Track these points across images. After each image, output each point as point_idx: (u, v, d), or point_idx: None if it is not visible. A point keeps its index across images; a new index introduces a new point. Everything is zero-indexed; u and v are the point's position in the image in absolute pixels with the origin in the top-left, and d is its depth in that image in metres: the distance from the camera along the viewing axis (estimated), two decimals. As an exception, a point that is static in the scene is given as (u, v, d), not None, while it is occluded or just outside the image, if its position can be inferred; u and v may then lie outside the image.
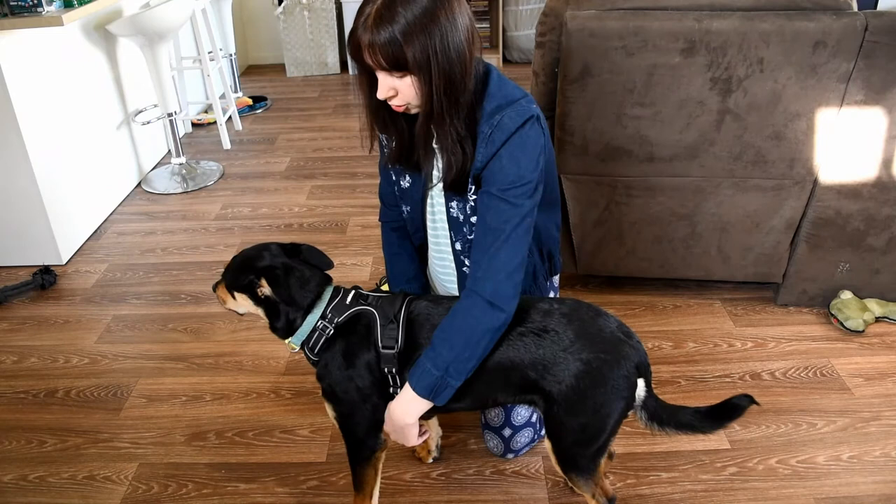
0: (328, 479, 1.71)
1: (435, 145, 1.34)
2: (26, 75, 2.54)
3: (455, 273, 1.54)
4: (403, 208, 1.54)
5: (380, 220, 1.64)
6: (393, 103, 1.24)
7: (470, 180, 1.33)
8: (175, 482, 1.71)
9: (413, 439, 1.36)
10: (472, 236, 1.39)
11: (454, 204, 1.40)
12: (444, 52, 1.16)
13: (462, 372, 1.27)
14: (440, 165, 1.38)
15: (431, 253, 1.59)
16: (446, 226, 1.47)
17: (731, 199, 2.09)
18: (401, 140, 1.37)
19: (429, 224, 1.52)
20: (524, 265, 1.29)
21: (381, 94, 1.22)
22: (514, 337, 1.29)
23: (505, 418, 1.67)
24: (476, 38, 1.23)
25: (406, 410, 1.32)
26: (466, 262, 1.45)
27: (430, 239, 1.56)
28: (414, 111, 1.27)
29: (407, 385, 1.31)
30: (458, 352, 1.25)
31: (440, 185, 1.41)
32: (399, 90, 1.21)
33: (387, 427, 1.38)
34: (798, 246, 2.15)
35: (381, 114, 1.32)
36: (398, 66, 1.16)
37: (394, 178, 1.50)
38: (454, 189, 1.35)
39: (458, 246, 1.46)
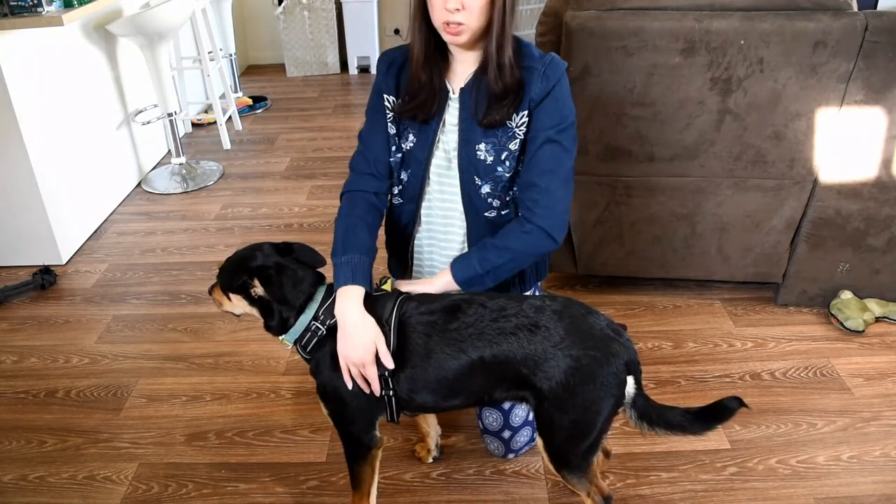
0: (328, 479, 1.71)
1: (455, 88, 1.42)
2: (26, 75, 2.54)
3: (465, 227, 1.52)
4: (403, 175, 1.51)
5: (343, 191, 1.56)
6: (454, 19, 1.29)
7: (524, 113, 1.40)
8: (175, 482, 1.71)
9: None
10: (509, 174, 1.44)
11: (483, 146, 1.42)
12: None
13: (498, 279, 1.45)
14: (459, 108, 1.43)
15: (433, 217, 1.55)
16: (456, 174, 1.47)
17: (731, 199, 2.09)
18: (430, 80, 1.41)
19: (434, 182, 1.50)
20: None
21: (451, 5, 1.27)
22: (509, 332, 1.29)
23: (503, 421, 1.67)
24: None
25: (435, 285, 1.44)
26: (494, 204, 1.48)
27: (434, 200, 1.53)
28: (463, 38, 1.32)
29: (446, 270, 1.44)
30: (504, 262, 1.42)
31: (453, 135, 1.45)
32: (466, 4, 1.27)
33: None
34: (798, 246, 2.15)
35: (428, 49, 1.39)
36: None
37: (397, 140, 1.49)
38: (494, 125, 1.40)
39: (485, 189, 1.46)
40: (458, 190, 1.49)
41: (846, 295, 2.18)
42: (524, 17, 4.93)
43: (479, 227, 1.51)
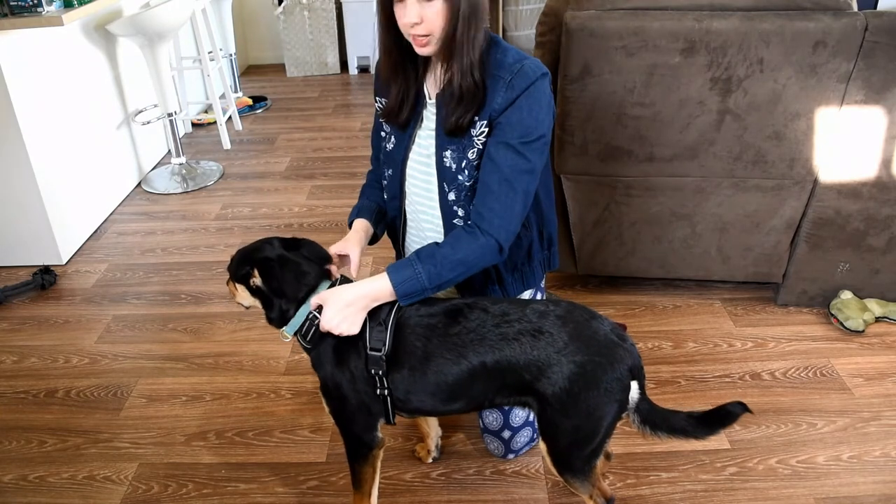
0: (328, 479, 1.71)
1: (429, 90, 1.42)
2: (26, 75, 2.54)
3: (442, 231, 1.52)
4: (385, 172, 1.56)
5: (367, 176, 1.69)
6: (416, 32, 1.28)
7: (483, 123, 1.35)
8: (175, 482, 1.71)
9: (354, 328, 1.32)
10: (469, 182, 1.41)
11: (448, 154, 1.41)
12: None
13: (441, 290, 1.36)
14: (436, 114, 1.41)
15: (413, 220, 1.57)
16: (435, 179, 1.46)
17: (731, 199, 2.09)
18: (404, 88, 1.42)
19: (412, 184, 1.52)
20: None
21: (408, 19, 1.26)
22: (511, 337, 1.29)
23: (503, 421, 1.67)
24: None
25: (368, 295, 1.33)
26: (459, 213, 1.46)
27: (411, 204, 1.55)
28: (430, 49, 1.31)
29: (384, 276, 1.33)
30: (453, 277, 1.35)
31: (430, 140, 1.44)
32: (425, 17, 1.25)
33: (330, 314, 1.32)
34: (798, 246, 2.15)
35: (394, 56, 1.38)
36: None
37: (383, 137, 1.54)
38: (455, 132, 1.38)
39: (451, 196, 1.45)
40: (436, 194, 1.48)
41: (846, 295, 2.18)
42: (524, 16, 4.93)
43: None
